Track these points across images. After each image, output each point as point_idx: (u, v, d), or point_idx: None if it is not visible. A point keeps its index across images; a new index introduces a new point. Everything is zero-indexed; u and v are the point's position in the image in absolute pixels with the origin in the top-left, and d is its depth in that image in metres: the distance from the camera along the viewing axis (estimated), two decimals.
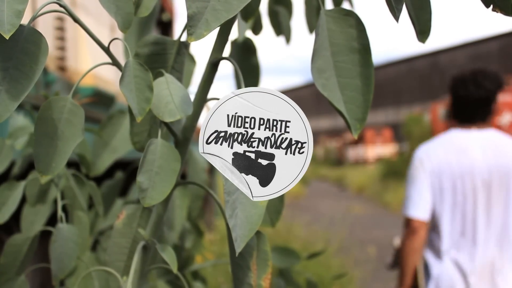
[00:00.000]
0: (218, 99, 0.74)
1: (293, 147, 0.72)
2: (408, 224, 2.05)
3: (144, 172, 0.79)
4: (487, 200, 1.98)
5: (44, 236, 1.31)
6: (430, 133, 11.48)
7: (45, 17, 2.22)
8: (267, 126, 0.72)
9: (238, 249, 0.73)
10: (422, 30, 0.77)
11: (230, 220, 0.73)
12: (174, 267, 0.85)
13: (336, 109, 0.71)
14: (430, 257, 2.09)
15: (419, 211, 2.04)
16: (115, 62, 0.86)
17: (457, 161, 2.02)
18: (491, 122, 2.09)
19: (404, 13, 0.75)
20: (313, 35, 0.74)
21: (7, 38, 0.67)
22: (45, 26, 2.25)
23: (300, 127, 0.72)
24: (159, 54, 0.91)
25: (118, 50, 1.44)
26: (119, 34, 2.92)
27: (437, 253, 2.07)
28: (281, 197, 1.03)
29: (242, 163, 0.72)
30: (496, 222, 1.98)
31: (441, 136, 2.15)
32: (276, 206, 1.03)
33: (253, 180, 0.72)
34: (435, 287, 2.03)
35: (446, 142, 2.09)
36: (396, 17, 0.73)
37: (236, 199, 0.74)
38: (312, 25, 1.40)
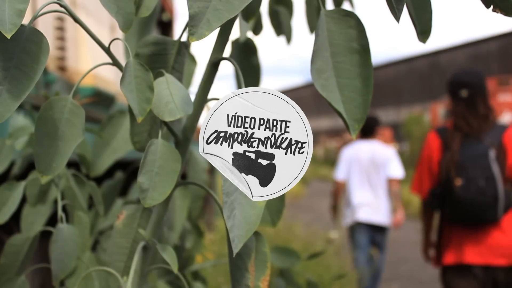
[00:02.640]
0: (218, 99, 0.74)
1: (293, 147, 0.72)
2: (335, 182, 4.62)
3: (144, 172, 0.80)
4: (367, 173, 4.39)
5: (45, 236, 1.31)
6: None
7: (45, 17, 2.22)
8: (267, 126, 0.72)
9: (235, 250, 0.72)
10: (423, 30, 0.77)
11: (228, 221, 0.73)
12: (174, 267, 0.85)
13: (335, 109, 0.71)
14: (349, 195, 4.52)
15: (339, 175, 4.51)
16: (115, 62, 0.87)
17: (354, 154, 4.43)
18: (376, 137, 4.46)
19: (404, 13, 0.75)
20: (314, 36, 0.74)
21: (9, 38, 0.67)
22: (45, 26, 2.25)
23: (300, 127, 0.72)
24: (159, 54, 0.91)
25: (118, 50, 1.44)
26: (119, 34, 2.92)
27: (350, 194, 4.53)
28: (282, 197, 1.03)
29: (242, 163, 0.72)
30: (374, 183, 4.38)
31: (354, 142, 4.59)
32: (276, 206, 1.03)
33: (253, 180, 0.72)
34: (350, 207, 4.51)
35: (353, 145, 4.55)
36: (397, 17, 0.73)
37: (234, 200, 0.74)
38: (312, 26, 1.39)
